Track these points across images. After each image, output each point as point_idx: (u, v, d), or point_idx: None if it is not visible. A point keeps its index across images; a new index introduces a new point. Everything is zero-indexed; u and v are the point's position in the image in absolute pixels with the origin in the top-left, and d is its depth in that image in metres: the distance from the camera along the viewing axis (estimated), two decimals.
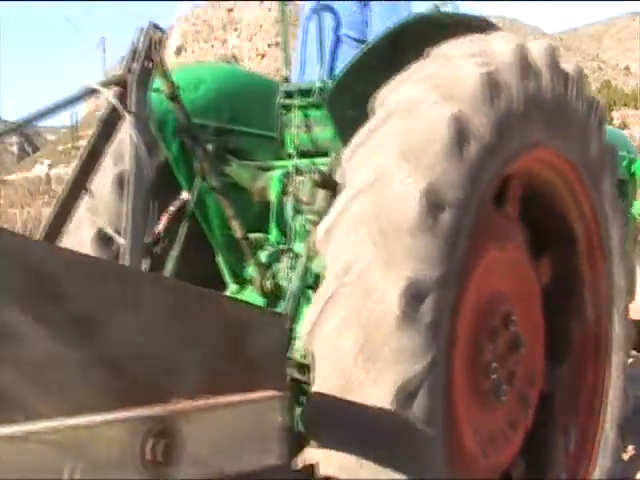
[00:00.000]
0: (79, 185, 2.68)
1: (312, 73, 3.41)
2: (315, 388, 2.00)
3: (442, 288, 2.09)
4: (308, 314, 2.12)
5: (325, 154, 3.22)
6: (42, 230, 2.64)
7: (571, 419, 3.14)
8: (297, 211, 3.12)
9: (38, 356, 1.12)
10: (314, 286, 2.81)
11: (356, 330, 1.98)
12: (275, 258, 3.12)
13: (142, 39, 2.60)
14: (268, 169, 3.37)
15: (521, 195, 2.93)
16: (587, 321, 3.15)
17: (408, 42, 2.79)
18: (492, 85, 2.35)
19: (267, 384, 1.44)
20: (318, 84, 3.17)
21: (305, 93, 3.22)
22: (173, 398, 1.27)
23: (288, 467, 1.47)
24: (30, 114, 2.54)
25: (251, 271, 3.10)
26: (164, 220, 3.07)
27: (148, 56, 2.59)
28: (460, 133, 2.20)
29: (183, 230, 3.09)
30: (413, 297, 2.00)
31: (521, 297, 2.87)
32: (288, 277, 3.03)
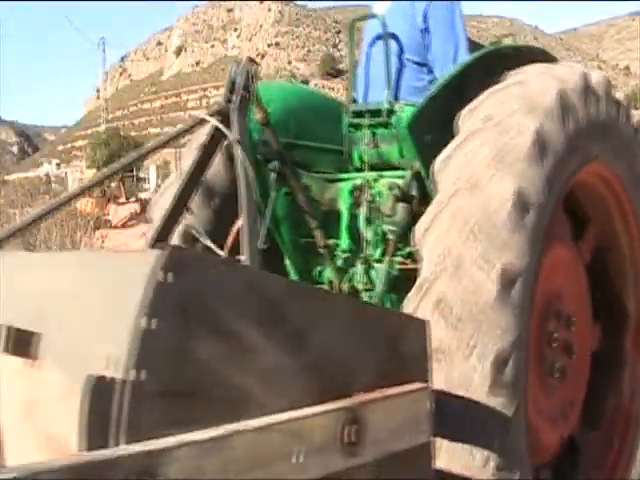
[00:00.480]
0: (181, 204, 2.96)
1: (375, 94, 3.69)
2: (442, 191, 2.58)
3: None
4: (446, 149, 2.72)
5: (390, 168, 3.51)
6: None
7: (595, 474, 3.31)
8: (369, 221, 3.41)
9: (268, 365, 1.40)
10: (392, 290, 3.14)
11: (491, 147, 2.56)
12: (350, 263, 3.42)
13: (240, 72, 2.89)
14: (335, 181, 3.66)
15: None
16: (622, 398, 3.38)
17: (476, 73, 3.09)
18: (586, 85, 2.87)
19: (415, 377, 1.74)
20: (386, 105, 3.45)
21: (374, 113, 3.50)
22: (354, 392, 1.56)
23: (430, 445, 1.76)
24: (143, 148, 2.83)
25: (328, 274, 3.40)
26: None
27: (246, 87, 2.88)
28: (564, 102, 2.72)
29: (262, 239, 3.37)
30: (541, 144, 2.58)
31: (578, 309, 3.13)
32: (362, 281, 3.33)
